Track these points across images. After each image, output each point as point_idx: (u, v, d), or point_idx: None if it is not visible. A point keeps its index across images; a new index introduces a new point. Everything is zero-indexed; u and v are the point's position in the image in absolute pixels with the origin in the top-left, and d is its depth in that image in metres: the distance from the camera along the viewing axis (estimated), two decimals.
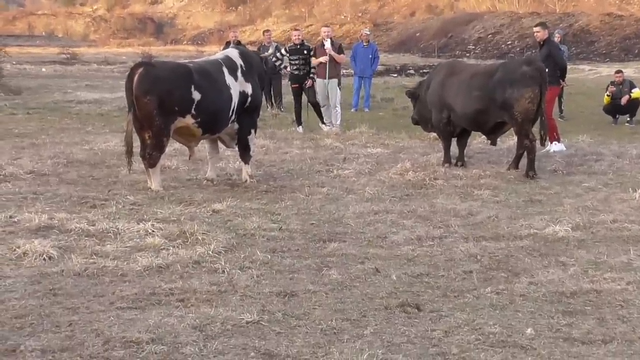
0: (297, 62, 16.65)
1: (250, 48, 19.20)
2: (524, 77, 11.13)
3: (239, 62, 10.71)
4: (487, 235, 8.12)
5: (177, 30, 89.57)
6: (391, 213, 9.04)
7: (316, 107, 16.83)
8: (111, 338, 5.24)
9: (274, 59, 17.74)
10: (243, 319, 5.61)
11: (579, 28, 54.01)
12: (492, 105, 11.32)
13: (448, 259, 7.28)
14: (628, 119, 18.26)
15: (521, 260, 7.24)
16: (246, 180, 10.72)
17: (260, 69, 11.16)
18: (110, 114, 19.35)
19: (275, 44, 20.21)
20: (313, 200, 9.71)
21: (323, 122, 16.75)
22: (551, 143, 13.35)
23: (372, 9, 79.72)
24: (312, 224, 8.55)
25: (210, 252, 7.21)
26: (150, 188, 10.00)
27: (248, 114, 10.76)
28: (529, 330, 5.49)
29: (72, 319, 5.61)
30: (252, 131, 10.90)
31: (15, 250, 7.13)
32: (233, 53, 10.93)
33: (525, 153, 11.40)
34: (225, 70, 10.48)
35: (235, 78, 10.53)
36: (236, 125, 10.67)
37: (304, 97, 16.75)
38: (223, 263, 6.92)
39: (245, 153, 10.81)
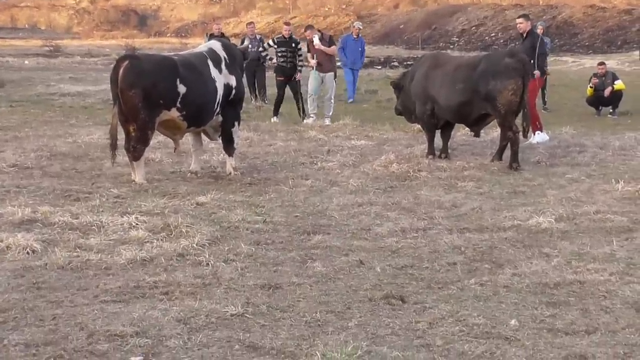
0: (284, 54, 16.93)
1: (234, 41, 19.24)
2: (507, 69, 11.16)
3: (223, 54, 10.69)
4: (471, 227, 8.14)
5: (160, 22, 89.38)
6: (375, 205, 9.05)
7: (296, 97, 17.13)
8: (95, 331, 5.22)
9: (260, 50, 17.88)
10: (227, 311, 5.60)
11: (562, 20, 54.26)
12: (476, 97, 11.34)
13: (432, 250, 7.30)
14: (611, 110, 18.35)
15: (505, 252, 7.26)
16: (230, 173, 10.71)
17: (241, 61, 11.17)
18: (93, 106, 19.26)
19: (259, 36, 20.25)
20: (297, 192, 9.71)
21: (304, 116, 16.84)
22: (534, 133, 13.39)
23: (355, 1, 79.77)
24: (297, 216, 8.55)
25: (195, 245, 7.19)
26: (134, 181, 9.97)
27: (232, 106, 10.74)
28: (513, 322, 5.51)
29: (55, 313, 5.59)
30: (236, 123, 10.89)
31: None
32: (216, 45, 10.90)
33: (508, 145, 11.43)
34: (210, 63, 10.46)
35: (220, 71, 10.51)
36: (220, 118, 10.66)
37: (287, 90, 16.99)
38: (207, 256, 6.91)
39: (229, 145, 10.80)
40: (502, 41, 52.70)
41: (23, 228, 7.68)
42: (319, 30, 17.60)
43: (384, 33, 65.61)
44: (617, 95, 18.22)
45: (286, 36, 17.14)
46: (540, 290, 6.20)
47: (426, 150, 12.22)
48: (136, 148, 9.89)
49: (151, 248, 7.11)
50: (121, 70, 9.72)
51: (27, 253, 6.92)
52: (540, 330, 5.40)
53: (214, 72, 10.42)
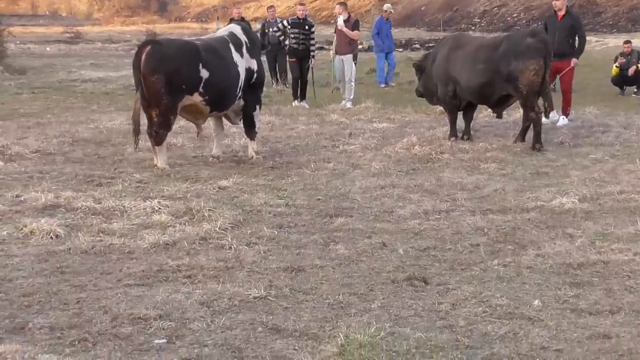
0: (297, 36, 16.78)
1: (255, 25, 19.21)
2: (529, 49, 11.09)
3: (244, 38, 10.69)
4: (493, 208, 8.11)
5: (181, 7, 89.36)
6: (397, 187, 9.03)
7: (301, 83, 16.96)
8: (119, 315, 5.25)
9: (278, 32, 17.74)
10: (250, 294, 5.62)
11: None
12: (497, 77, 11.27)
13: (455, 232, 7.28)
14: (635, 90, 18.17)
15: (528, 233, 7.23)
16: (252, 157, 10.72)
17: (260, 45, 11.17)
18: (115, 92, 19.31)
19: (280, 20, 20.18)
20: (319, 175, 9.70)
21: (302, 100, 16.78)
22: (565, 115, 13.25)
23: None
24: (319, 199, 8.55)
25: (217, 229, 7.21)
26: (157, 166, 10.00)
27: (253, 90, 10.75)
28: (536, 302, 5.49)
29: (79, 297, 5.63)
30: (257, 107, 10.89)
31: (22, 229, 7.15)
32: (237, 29, 10.88)
33: (531, 125, 11.36)
34: (231, 47, 10.45)
35: (241, 55, 10.51)
36: (242, 102, 10.65)
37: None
38: (230, 239, 6.92)
39: (250, 129, 10.80)
40: (524, 22, 52.27)
41: (46, 213, 7.73)
42: (348, 13, 17.17)
43: (405, 15, 65.23)
44: None
45: (300, 17, 16.96)
46: (564, 270, 6.17)
47: (448, 132, 12.17)
48: (159, 133, 9.91)
49: (174, 232, 7.14)
50: (144, 56, 9.73)
51: (51, 238, 6.97)
52: (564, 310, 5.38)
53: (235, 56, 10.41)
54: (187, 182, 9.20)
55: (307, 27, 16.83)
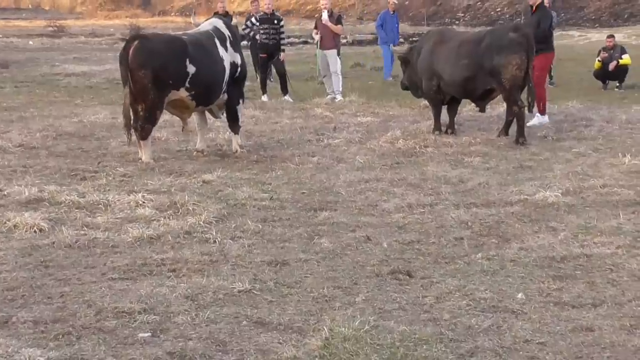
0: (267, 31, 16.72)
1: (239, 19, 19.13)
2: (511, 44, 11.13)
3: (227, 32, 10.68)
4: (477, 201, 8.14)
5: (164, 1, 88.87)
6: (382, 181, 9.05)
7: (282, 77, 16.91)
8: (103, 308, 5.24)
9: (246, 30, 17.64)
10: (235, 288, 5.62)
11: None
12: (480, 72, 11.31)
13: (439, 225, 7.30)
14: (617, 84, 18.25)
15: (512, 226, 7.25)
16: (236, 151, 10.71)
17: (239, 39, 11.20)
18: (98, 86, 19.26)
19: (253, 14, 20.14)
20: (304, 169, 9.71)
21: (285, 94, 16.76)
22: (541, 114, 13.12)
23: None
24: (303, 193, 8.55)
25: (201, 223, 7.21)
26: (141, 159, 9.98)
27: (237, 84, 10.74)
28: (519, 295, 5.52)
29: (63, 290, 5.62)
30: (241, 101, 10.89)
31: (5, 223, 7.13)
32: (219, 24, 10.86)
33: (514, 120, 11.40)
34: (217, 41, 10.44)
35: (226, 49, 10.51)
36: (225, 96, 10.64)
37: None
38: (214, 233, 6.92)
39: (234, 123, 10.79)
40: (507, 16, 52.39)
41: (30, 207, 7.71)
42: (331, 8, 17.12)
43: None
44: (622, 70, 18.09)
45: (267, 12, 16.89)
46: (547, 264, 6.20)
47: (432, 126, 12.19)
48: (144, 127, 9.89)
49: (158, 226, 7.13)
50: (131, 51, 9.70)
51: (35, 232, 6.95)
52: (547, 303, 5.40)
53: (221, 50, 10.41)
54: (172, 176, 9.19)
55: (275, 22, 16.82)
